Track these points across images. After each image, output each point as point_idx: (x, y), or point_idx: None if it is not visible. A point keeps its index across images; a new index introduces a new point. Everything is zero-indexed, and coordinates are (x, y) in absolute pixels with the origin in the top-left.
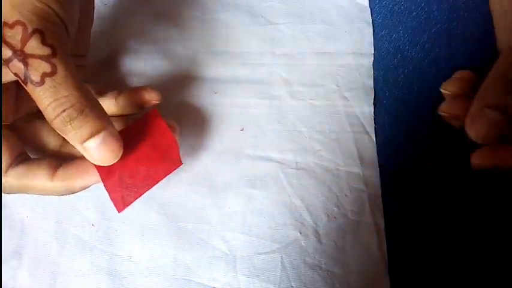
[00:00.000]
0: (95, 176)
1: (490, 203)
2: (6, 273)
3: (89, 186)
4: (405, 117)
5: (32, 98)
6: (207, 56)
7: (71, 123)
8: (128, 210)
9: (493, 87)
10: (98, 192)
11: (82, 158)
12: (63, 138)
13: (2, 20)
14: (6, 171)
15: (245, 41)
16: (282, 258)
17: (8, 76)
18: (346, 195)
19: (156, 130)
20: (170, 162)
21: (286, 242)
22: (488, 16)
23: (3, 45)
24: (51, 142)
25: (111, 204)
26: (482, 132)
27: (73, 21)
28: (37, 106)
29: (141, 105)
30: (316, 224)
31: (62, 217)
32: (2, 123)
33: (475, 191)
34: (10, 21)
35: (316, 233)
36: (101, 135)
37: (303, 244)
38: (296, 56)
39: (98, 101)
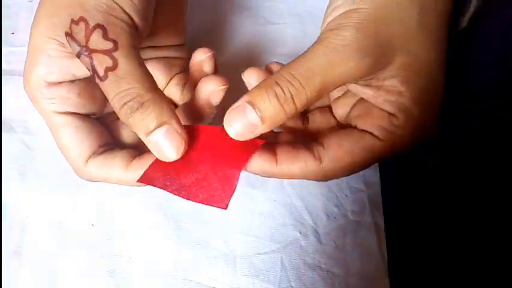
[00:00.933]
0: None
1: (490, 203)
2: (6, 273)
3: None
4: None
5: None
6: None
7: (132, 116)
8: (128, 210)
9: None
10: (98, 192)
11: None
12: None
13: (70, 17)
14: (86, 162)
15: (245, 41)
16: (281, 258)
17: (86, 70)
18: (346, 195)
19: (232, 157)
20: (217, 197)
21: (286, 242)
22: None
23: (71, 41)
24: (130, 135)
25: (111, 204)
26: (237, 126)
27: (144, 16)
28: None
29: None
30: (316, 224)
31: (62, 217)
32: (91, 115)
33: (474, 191)
34: (75, 17)
35: (316, 233)
36: (163, 129)
37: (302, 244)
38: (296, 56)
39: (162, 95)
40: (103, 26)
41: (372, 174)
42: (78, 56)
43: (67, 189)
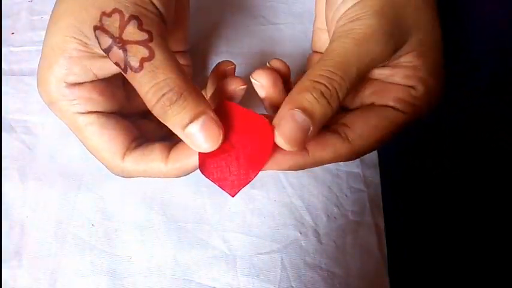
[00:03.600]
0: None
1: (490, 203)
2: (6, 273)
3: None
4: None
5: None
6: (208, 56)
7: (170, 108)
8: (128, 210)
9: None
10: (98, 192)
11: None
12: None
13: (101, 10)
14: (123, 158)
15: (245, 41)
16: (282, 258)
17: (108, 69)
18: (346, 195)
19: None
20: (229, 182)
21: (286, 242)
22: None
23: (103, 34)
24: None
25: (111, 204)
26: (291, 136)
27: (169, 10)
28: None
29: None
30: (316, 224)
31: (62, 217)
32: (115, 113)
33: (474, 191)
34: (108, 10)
35: (316, 233)
36: (201, 120)
37: (303, 244)
38: (296, 56)
39: (195, 86)
40: (138, 17)
41: (372, 174)
42: (109, 49)
43: (67, 189)
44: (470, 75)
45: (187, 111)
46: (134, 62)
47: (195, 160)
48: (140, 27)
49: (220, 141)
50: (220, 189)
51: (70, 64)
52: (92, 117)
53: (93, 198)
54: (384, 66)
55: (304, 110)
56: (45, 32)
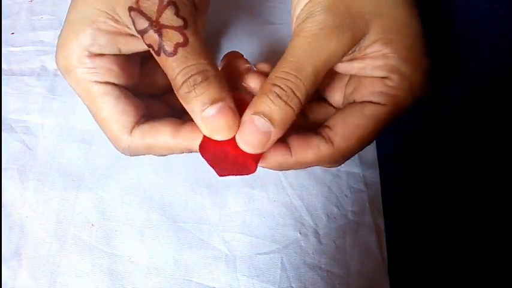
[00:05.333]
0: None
1: (490, 204)
2: (6, 273)
3: None
4: (405, 118)
5: (156, 74)
6: None
7: (194, 89)
8: (128, 210)
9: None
10: (98, 192)
11: None
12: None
13: None
14: (131, 131)
15: (245, 41)
16: (281, 259)
17: (134, 47)
18: (346, 195)
19: None
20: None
21: (286, 242)
22: None
23: (139, 16)
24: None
25: (111, 204)
26: (251, 140)
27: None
28: (157, 84)
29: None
30: (316, 224)
31: (62, 217)
32: (128, 88)
33: (474, 191)
34: None
35: (316, 233)
36: (219, 105)
37: (302, 244)
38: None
39: (221, 75)
40: (175, 3)
41: (372, 174)
42: (144, 32)
43: (67, 189)
44: (468, 73)
45: (209, 93)
46: (169, 47)
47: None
48: (177, 13)
49: (233, 133)
50: (218, 190)
51: (97, 35)
52: (108, 88)
53: (93, 198)
54: (352, 59)
55: (264, 114)
56: (69, 7)
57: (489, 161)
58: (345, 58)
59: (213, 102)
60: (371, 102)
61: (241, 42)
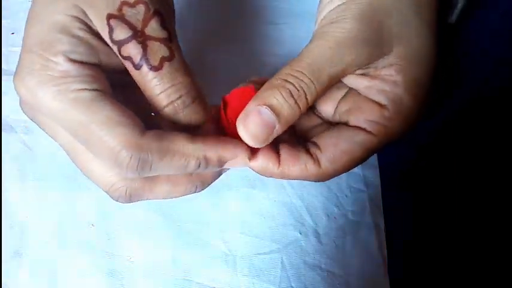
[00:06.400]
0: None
1: (490, 204)
2: (6, 273)
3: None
4: None
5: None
6: (207, 55)
7: (183, 112)
8: (128, 210)
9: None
10: (98, 192)
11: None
12: None
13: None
14: (143, 133)
15: (245, 41)
16: (282, 259)
17: (115, 61)
18: (346, 195)
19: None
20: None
21: (286, 242)
22: None
23: (121, 24)
24: None
25: (111, 204)
26: (255, 132)
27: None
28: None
29: None
30: (316, 224)
31: (62, 217)
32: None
33: (475, 191)
34: (131, 0)
35: (316, 233)
36: (206, 127)
37: (303, 244)
38: (296, 56)
39: (203, 94)
40: (162, 13)
41: (372, 174)
42: (124, 42)
43: (67, 189)
44: (467, 75)
45: (196, 118)
46: (153, 60)
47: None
48: (163, 24)
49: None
50: (218, 190)
51: (74, 43)
52: (101, 95)
53: (93, 198)
54: (364, 74)
55: (272, 108)
56: (26, 23)
57: (489, 162)
58: (358, 71)
59: (200, 126)
60: (364, 129)
61: (241, 42)
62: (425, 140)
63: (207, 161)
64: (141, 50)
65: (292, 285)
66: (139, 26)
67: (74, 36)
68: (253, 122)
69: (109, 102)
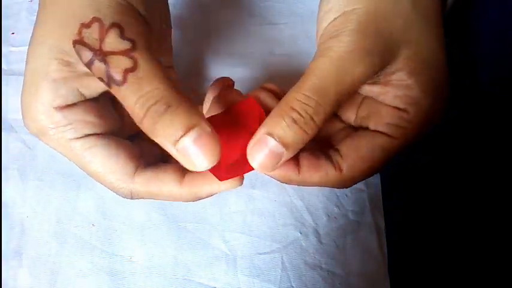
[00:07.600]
0: (224, 184)
1: (490, 204)
2: (6, 273)
3: (215, 193)
4: None
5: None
6: (207, 55)
7: (159, 121)
8: (128, 210)
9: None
10: (98, 192)
11: None
12: None
13: (80, 22)
14: (133, 178)
15: (245, 41)
16: (282, 258)
17: (95, 87)
18: (346, 195)
19: (253, 118)
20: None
21: (286, 242)
22: None
23: (83, 48)
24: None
25: (111, 204)
26: (262, 161)
27: (154, 16)
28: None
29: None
30: (316, 224)
31: (62, 217)
32: (117, 137)
33: (474, 191)
34: (87, 20)
35: (317, 233)
36: (194, 133)
37: (303, 244)
38: (296, 55)
39: (186, 96)
40: (119, 24)
41: None
42: (90, 64)
43: (67, 189)
44: (470, 73)
45: (177, 124)
46: (117, 75)
47: (210, 187)
48: (122, 35)
49: (217, 157)
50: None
51: (54, 87)
52: (92, 140)
53: (94, 198)
54: (375, 83)
55: (278, 137)
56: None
57: (490, 161)
58: (369, 80)
59: (185, 131)
60: (385, 133)
61: (241, 42)
62: (425, 140)
63: (198, 197)
64: (104, 67)
65: (293, 285)
66: (97, 45)
67: (53, 80)
68: (260, 152)
69: (100, 148)
